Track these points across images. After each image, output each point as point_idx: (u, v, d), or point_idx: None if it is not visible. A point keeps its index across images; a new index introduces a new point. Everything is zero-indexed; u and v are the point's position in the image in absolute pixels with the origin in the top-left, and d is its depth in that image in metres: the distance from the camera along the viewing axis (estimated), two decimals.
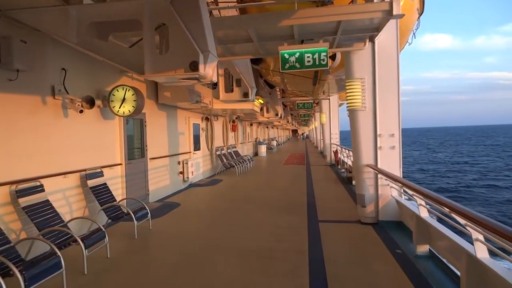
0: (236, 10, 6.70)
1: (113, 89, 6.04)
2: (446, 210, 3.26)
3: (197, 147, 11.78)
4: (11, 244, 3.69)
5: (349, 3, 5.38)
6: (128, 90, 6.03)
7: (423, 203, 4.60)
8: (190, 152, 11.00)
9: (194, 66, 4.04)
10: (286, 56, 5.64)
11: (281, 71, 5.80)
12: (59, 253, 3.59)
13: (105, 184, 6.04)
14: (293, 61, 5.65)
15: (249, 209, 7.45)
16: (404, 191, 5.60)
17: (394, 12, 4.54)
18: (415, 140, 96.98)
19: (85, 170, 5.69)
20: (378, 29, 5.39)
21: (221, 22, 5.36)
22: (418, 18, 7.31)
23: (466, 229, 3.15)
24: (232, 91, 8.30)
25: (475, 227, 2.89)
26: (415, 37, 7.86)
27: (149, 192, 7.97)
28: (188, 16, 3.93)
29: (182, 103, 8.93)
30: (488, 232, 2.62)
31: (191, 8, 3.93)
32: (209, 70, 4.17)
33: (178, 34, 3.96)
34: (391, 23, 5.42)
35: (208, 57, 4.03)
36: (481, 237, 3.03)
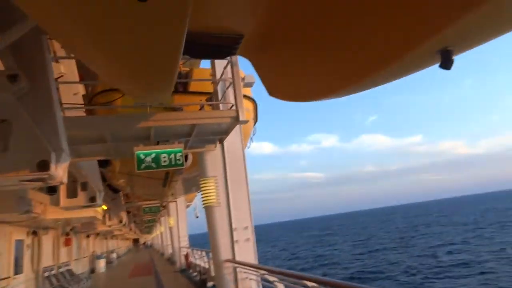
0: (85, 112, 6.50)
1: None
2: (309, 283, 3.65)
3: (18, 270, 9.46)
4: None
5: (199, 109, 6.06)
6: None
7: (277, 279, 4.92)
8: (9, 277, 8.71)
9: (43, 166, 3.63)
10: (142, 156, 5.65)
11: (136, 170, 5.72)
12: None
13: None
14: (149, 161, 5.69)
15: None
16: (263, 279, 5.88)
17: (240, 118, 5.35)
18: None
19: None
20: (226, 132, 6.14)
21: (69, 122, 5.09)
22: (254, 125, 8.69)
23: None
24: (75, 196, 7.43)
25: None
26: (252, 141, 9.19)
27: None
28: (39, 112, 3.66)
29: (5, 215, 7.36)
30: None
31: (44, 104, 3.70)
32: (60, 170, 3.81)
33: (24, 131, 3.59)
34: (236, 128, 6.29)
35: (61, 156, 3.73)
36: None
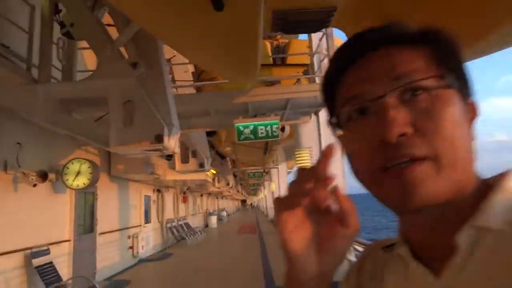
0: (194, 88, 7.25)
1: (67, 162, 5.97)
2: None
3: (147, 219, 11.40)
4: None
5: (295, 83, 6.17)
6: (84, 163, 5.99)
7: None
8: (140, 225, 10.60)
9: (159, 138, 4.30)
10: (241, 128, 6.12)
11: (237, 142, 6.23)
12: None
13: (51, 263, 5.62)
14: (248, 133, 6.13)
15: (202, 281, 7.22)
16: None
17: None
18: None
19: (31, 248, 5.31)
20: (321, 105, 6.16)
21: (180, 98, 5.79)
22: None
23: None
24: (188, 161, 8.50)
25: None
26: None
27: (96, 270, 7.44)
28: (154, 92, 4.29)
29: (135, 175, 8.88)
30: None
31: (157, 85, 4.31)
32: (172, 142, 4.45)
33: (144, 109, 4.26)
34: None
35: (172, 130, 4.34)
36: None
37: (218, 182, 16.98)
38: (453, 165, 0.41)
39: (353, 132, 0.46)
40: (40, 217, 5.69)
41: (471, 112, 0.46)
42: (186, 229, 15.10)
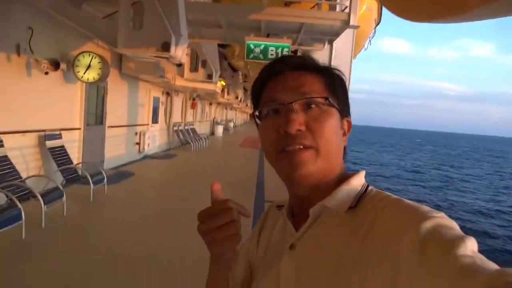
0: None
1: (78, 54, 6.10)
2: None
3: (155, 120, 11.90)
4: None
5: (314, 6, 5.90)
6: (95, 58, 6.13)
7: None
8: (148, 124, 11.13)
9: (166, 47, 4.35)
10: (252, 46, 6.06)
11: (245, 59, 6.23)
12: (20, 205, 3.84)
13: (62, 146, 6.16)
14: (258, 52, 6.09)
15: (200, 184, 7.89)
16: None
17: (351, 23, 5.13)
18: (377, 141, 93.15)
19: (44, 131, 5.78)
20: (337, 34, 5.98)
21: (194, 6, 5.64)
22: (375, 27, 8.04)
23: None
24: (196, 70, 8.55)
25: None
26: (370, 44, 8.63)
27: (104, 159, 8.11)
28: None
29: (145, 75, 9.04)
30: None
31: None
32: (179, 52, 4.51)
33: (153, 13, 4.24)
34: (349, 31, 6.03)
35: (179, 40, 4.37)
36: None
37: (228, 94, 17.13)
38: (325, 155, 0.63)
39: (267, 124, 0.67)
40: (52, 103, 6.06)
41: (347, 126, 0.70)
42: (192, 134, 15.77)
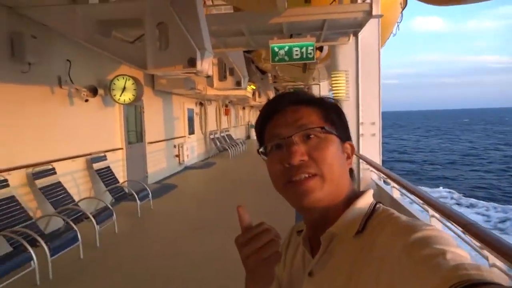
0: (232, 8, 7.07)
1: (113, 78, 6.44)
2: (406, 191, 3.85)
3: (191, 131, 12.24)
4: (33, 220, 4.20)
5: (332, 2, 5.81)
6: (128, 80, 6.44)
7: (396, 185, 5.18)
8: (185, 136, 11.47)
9: (192, 62, 4.49)
10: (276, 49, 6.07)
11: (271, 63, 6.25)
12: (75, 227, 4.12)
13: (108, 167, 6.52)
14: (283, 54, 6.09)
15: (241, 190, 8.02)
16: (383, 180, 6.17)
17: (374, 13, 4.99)
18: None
19: (90, 154, 6.16)
20: (361, 25, 5.84)
21: (216, 18, 5.77)
22: (401, 11, 7.75)
23: (424, 208, 3.73)
24: (225, 79, 8.71)
25: (428, 208, 3.46)
26: (399, 29, 8.33)
27: (147, 174, 8.48)
28: (186, 16, 4.35)
29: (177, 89, 9.34)
30: (437, 212, 3.18)
31: (189, 9, 4.34)
32: (205, 65, 4.63)
33: (177, 32, 4.39)
34: (373, 21, 5.87)
35: (204, 54, 4.48)
36: (436, 215, 3.61)
37: (259, 97, 17.22)
38: (331, 179, 0.67)
39: (273, 158, 0.70)
40: (95, 127, 6.44)
41: (350, 149, 0.73)
42: (228, 141, 16.03)
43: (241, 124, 23.15)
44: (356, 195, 0.71)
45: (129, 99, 6.47)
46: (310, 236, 0.75)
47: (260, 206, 6.53)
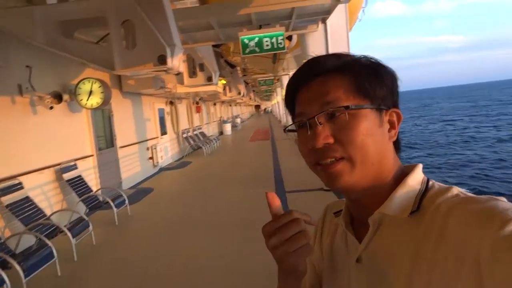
0: (197, 1, 6.85)
1: (79, 82, 6.10)
2: None
3: (163, 131, 11.92)
4: (2, 241, 3.90)
5: None
6: (95, 83, 6.12)
7: None
8: (157, 137, 11.15)
9: (162, 60, 4.29)
10: (246, 41, 5.95)
11: (242, 55, 6.13)
12: (49, 243, 3.87)
13: (80, 176, 6.20)
14: (253, 46, 5.98)
15: (219, 187, 7.89)
16: None
17: None
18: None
19: (59, 164, 5.82)
20: (329, 12, 5.83)
21: (182, 13, 5.55)
22: None
23: None
24: (196, 75, 8.49)
25: None
26: (364, 14, 8.41)
27: (122, 180, 8.17)
28: (153, 11, 4.14)
29: (147, 90, 9.02)
30: None
31: (155, 4, 4.14)
32: (176, 62, 4.45)
33: (144, 29, 4.18)
34: (341, 7, 5.87)
35: (174, 50, 4.30)
36: None
37: (230, 91, 17.04)
38: (363, 162, 0.59)
39: (300, 138, 0.65)
40: (62, 136, 6.09)
41: (395, 117, 0.63)
42: (201, 138, 15.78)
43: (213, 121, 22.89)
44: (403, 171, 0.63)
45: (97, 103, 6.15)
46: (353, 217, 0.69)
47: (241, 201, 6.46)
